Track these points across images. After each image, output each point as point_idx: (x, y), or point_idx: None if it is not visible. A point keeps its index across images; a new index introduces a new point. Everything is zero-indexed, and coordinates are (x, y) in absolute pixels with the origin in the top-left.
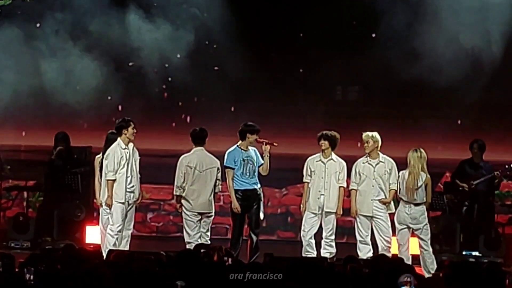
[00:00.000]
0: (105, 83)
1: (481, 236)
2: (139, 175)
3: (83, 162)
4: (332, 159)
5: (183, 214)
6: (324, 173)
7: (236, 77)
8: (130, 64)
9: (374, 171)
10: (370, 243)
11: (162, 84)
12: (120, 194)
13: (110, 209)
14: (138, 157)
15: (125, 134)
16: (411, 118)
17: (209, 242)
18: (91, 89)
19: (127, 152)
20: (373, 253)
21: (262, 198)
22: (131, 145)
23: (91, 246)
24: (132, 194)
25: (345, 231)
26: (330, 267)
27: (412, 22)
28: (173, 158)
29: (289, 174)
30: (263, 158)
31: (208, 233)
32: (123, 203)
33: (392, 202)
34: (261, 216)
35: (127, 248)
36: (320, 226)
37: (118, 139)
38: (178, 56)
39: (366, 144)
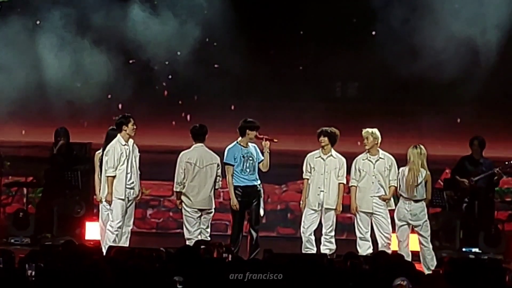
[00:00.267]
0: (106, 81)
1: (481, 232)
2: (139, 172)
3: (83, 158)
4: (331, 155)
5: (183, 210)
6: (323, 169)
7: (236, 74)
8: (131, 61)
9: (374, 167)
10: (370, 239)
11: (162, 82)
12: (120, 190)
13: (110, 205)
14: (138, 154)
15: (125, 130)
16: (411, 115)
17: (209, 238)
18: (92, 86)
19: (127, 149)
20: (373, 250)
21: (262, 195)
22: (131, 141)
23: (91, 243)
24: (132, 191)
25: (345, 227)
26: (330, 264)
27: (411, 19)
28: (173, 155)
29: (289, 170)
30: (263, 155)
31: (208, 230)
32: (123, 200)
33: (392, 199)
34: (261, 212)
35: (127, 245)
36: (320, 222)
37: (118, 135)
38: (179, 53)
39: (366, 141)
